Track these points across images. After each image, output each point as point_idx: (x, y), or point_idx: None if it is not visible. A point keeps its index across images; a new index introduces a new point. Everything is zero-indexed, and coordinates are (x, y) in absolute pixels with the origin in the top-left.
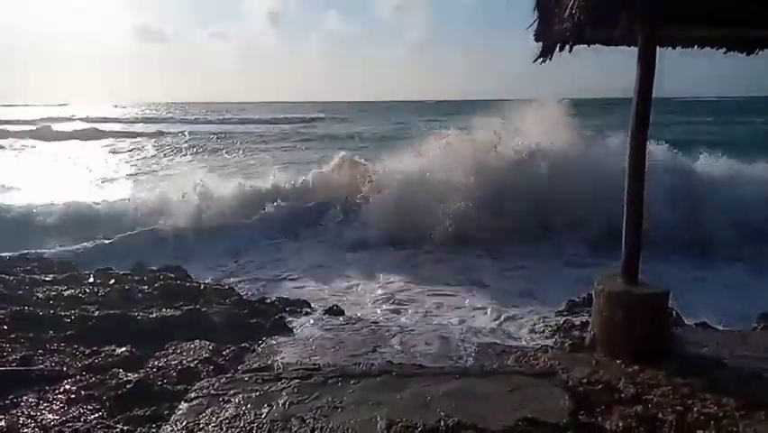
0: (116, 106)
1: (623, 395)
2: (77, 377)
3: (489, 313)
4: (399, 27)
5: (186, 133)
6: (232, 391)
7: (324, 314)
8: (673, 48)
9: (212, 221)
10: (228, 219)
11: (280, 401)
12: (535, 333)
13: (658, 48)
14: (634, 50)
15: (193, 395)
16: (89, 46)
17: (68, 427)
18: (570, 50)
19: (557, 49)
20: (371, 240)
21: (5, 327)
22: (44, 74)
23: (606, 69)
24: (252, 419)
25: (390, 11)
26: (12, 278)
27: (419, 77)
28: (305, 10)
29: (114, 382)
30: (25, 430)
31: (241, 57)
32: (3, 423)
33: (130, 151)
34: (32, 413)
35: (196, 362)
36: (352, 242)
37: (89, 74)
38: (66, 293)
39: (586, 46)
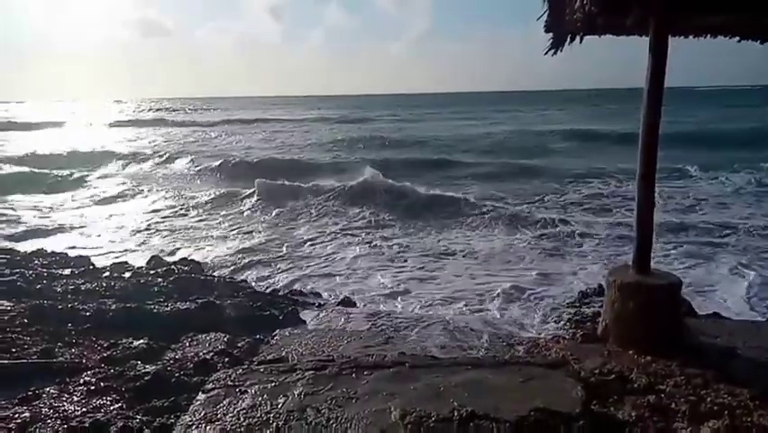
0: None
1: (635, 385)
2: (96, 369)
3: (500, 303)
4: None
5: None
6: (248, 382)
7: (337, 305)
8: (685, 37)
9: None
10: None
11: (296, 392)
12: (547, 323)
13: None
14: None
15: (210, 386)
16: (90, 41)
17: (89, 417)
18: (580, 41)
19: (568, 39)
20: None
21: (26, 321)
22: (44, 70)
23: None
24: (269, 409)
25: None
26: (30, 272)
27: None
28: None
29: (132, 373)
30: (48, 421)
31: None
32: (27, 414)
33: None
34: (53, 404)
35: (211, 353)
36: None
37: (92, 70)
38: (83, 287)
39: (597, 36)
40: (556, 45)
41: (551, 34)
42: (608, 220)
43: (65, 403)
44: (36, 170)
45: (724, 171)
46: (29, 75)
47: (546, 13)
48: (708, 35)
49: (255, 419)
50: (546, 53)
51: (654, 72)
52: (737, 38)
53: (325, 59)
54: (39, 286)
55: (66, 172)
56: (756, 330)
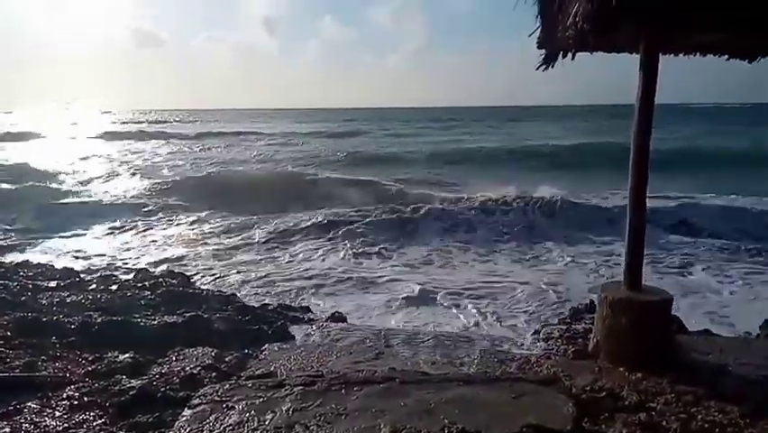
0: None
1: (626, 403)
2: (80, 383)
3: (490, 319)
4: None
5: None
6: (235, 398)
7: (327, 320)
8: (675, 55)
9: None
10: None
11: (284, 408)
12: (539, 339)
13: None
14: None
15: (196, 402)
16: (84, 51)
17: None
18: (572, 58)
19: (560, 56)
20: None
21: (9, 334)
22: (37, 79)
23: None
24: (256, 425)
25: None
26: (15, 284)
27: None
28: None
29: (117, 388)
30: None
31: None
32: (7, 430)
33: None
34: (35, 419)
35: (198, 368)
36: None
37: (85, 80)
38: (69, 300)
39: (589, 53)
40: (548, 61)
41: (543, 50)
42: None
43: (47, 419)
44: None
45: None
46: (21, 83)
47: (539, 29)
48: (698, 54)
49: None
50: (538, 68)
51: (645, 90)
52: (726, 56)
53: (320, 72)
54: (23, 298)
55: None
56: (747, 347)
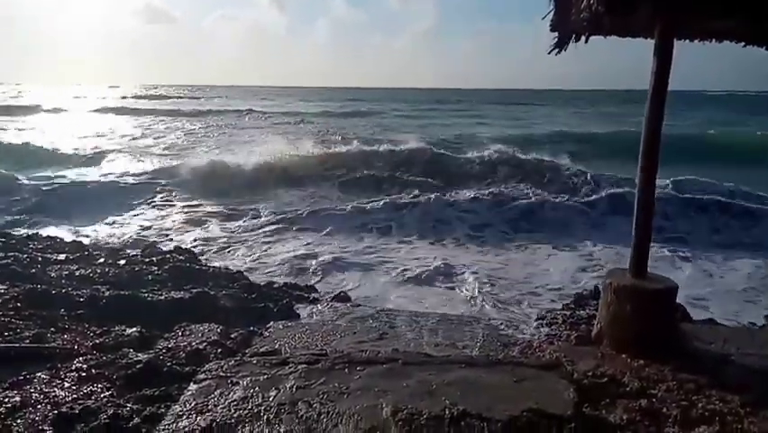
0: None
1: (628, 389)
2: (88, 356)
3: (495, 302)
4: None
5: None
6: (240, 374)
7: (332, 300)
8: (691, 41)
9: None
10: None
11: (288, 385)
12: (542, 324)
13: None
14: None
15: (202, 376)
16: (96, 28)
17: (79, 404)
18: (586, 41)
19: (573, 39)
20: None
21: (19, 305)
22: (48, 56)
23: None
24: (260, 401)
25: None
26: (25, 256)
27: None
28: None
29: (124, 361)
30: (38, 406)
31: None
32: (17, 399)
33: None
34: (44, 389)
35: (204, 344)
36: None
37: (97, 56)
38: (78, 273)
39: (602, 37)
40: (560, 44)
41: (556, 33)
42: None
43: (55, 389)
44: None
45: None
46: (32, 60)
47: (552, 12)
48: (714, 39)
49: (246, 412)
50: (550, 52)
51: (659, 75)
52: (743, 43)
53: (329, 51)
54: (33, 270)
55: None
56: (751, 337)
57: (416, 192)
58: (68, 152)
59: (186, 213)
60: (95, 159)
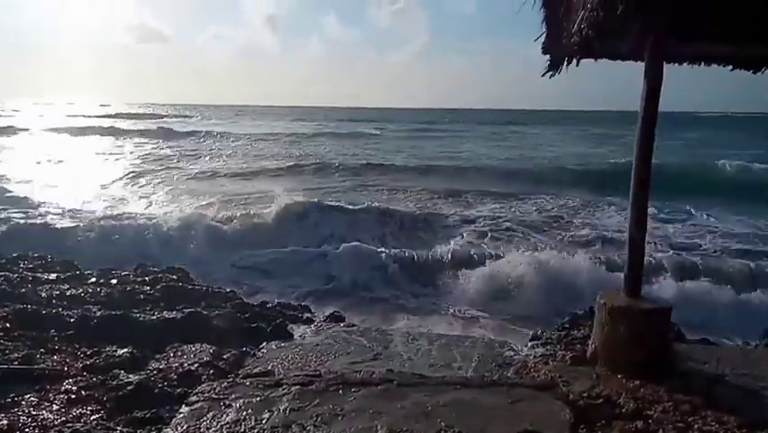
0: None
1: (623, 410)
2: (78, 377)
3: (491, 324)
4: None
5: None
6: (233, 396)
7: (326, 320)
8: (680, 64)
9: None
10: None
11: (281, 407)
12: (537, 344)
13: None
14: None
15: (194, 399)
16: (86, 44)
17: (68, 427)
18: (577, 64)
19: (565, 62)
20: None
21: (8, 325)
22: (42, 72)
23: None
24: (253, 424)
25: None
26: (15, 276)
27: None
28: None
29: (114, 382)
30: (26, 430)
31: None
32: (5, 422)
33: None
34: (32, 412)
35: (196, 365)
36: None
37: (89, 74)
38: (68, 292)
39: (593, 60)
40: (553, 67)
41: (548, 56)
42: None
43: (44, 411)
44: None
45: None
46: (25, 76)
47: (544, 35)
48: (702, 63)
49: None
50: (544, 75)
51: (649, 97)
52: (730, 66)
53: (322, 70)
54: (23, 290)
55: None
56: (745, 357)
57: None
58: None
59: None
60: None
